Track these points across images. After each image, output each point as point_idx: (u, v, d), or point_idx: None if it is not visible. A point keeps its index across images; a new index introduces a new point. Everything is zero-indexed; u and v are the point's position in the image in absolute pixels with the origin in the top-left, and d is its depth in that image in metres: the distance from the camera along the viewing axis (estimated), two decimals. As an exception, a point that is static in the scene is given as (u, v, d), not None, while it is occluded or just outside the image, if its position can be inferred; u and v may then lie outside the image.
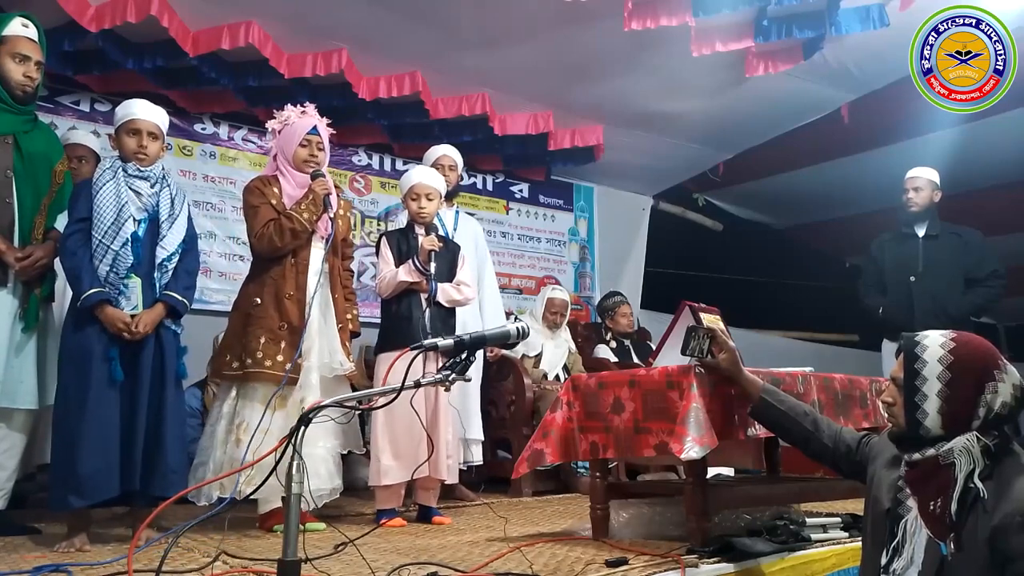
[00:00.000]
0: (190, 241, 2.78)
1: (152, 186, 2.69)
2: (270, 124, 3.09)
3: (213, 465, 2.82)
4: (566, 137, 5.39)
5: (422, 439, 2.91)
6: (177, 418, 2.69)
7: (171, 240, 2.69)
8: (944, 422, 1.57)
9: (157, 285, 2.64)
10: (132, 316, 2.56)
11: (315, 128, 3.02)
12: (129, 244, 2.59)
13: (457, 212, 4.14)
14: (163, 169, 2.77)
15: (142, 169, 2.68)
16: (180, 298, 2.68)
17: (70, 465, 2.47)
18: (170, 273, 2.68)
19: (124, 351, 2.56)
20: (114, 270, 2.56)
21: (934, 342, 1.61)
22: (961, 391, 1.56)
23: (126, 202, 2.61)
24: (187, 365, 2.82)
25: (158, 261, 2.65)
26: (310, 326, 2.89)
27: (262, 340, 2.84)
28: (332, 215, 2.99)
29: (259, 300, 2.91)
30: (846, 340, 8.19)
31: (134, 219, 2.62)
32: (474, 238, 4.13)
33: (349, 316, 3.12)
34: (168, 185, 2.75)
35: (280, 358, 2.83)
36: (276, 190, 2.99)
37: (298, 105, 3.07)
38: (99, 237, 2.56)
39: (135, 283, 2.59)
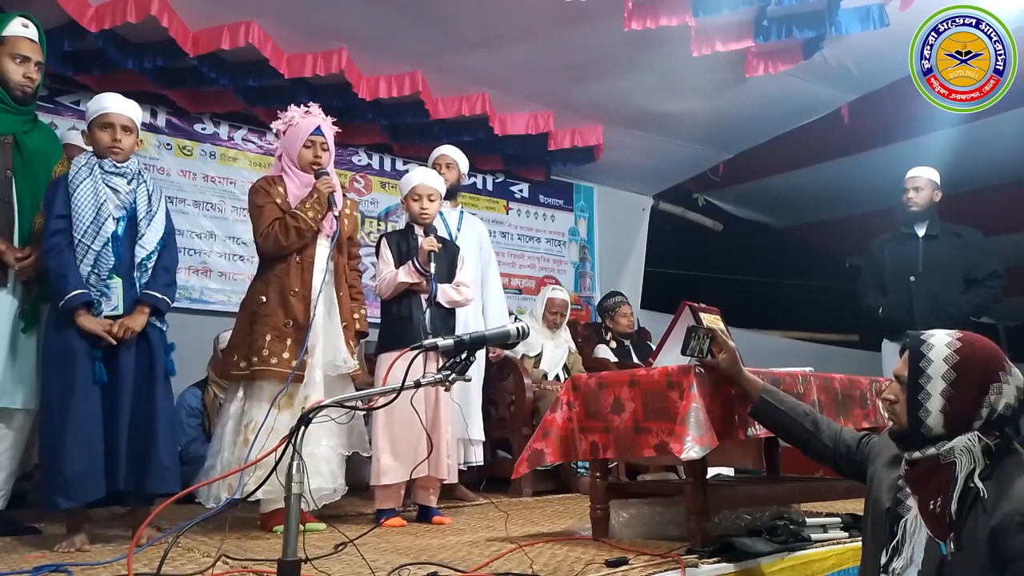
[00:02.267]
0: (168, 237, 2.73)
1: (129, 183, 2.66)
2: (275, 125, 3.10)
3: (221, 466, 2.81)
4: (566, 137, 5.39)
5: (421, 439, 2.91)
6: (167, 415, 2.67)
7: (150, 238, 2.65)
8: (946, 421, 1.57)
9: (137, 285, 2.60)
10: (114, 317, 2.54)
11: (319, 128, 3.02)
12: (110, 243, 2.56)
13: (461, 212, 4.14)
14: (139, 165, 2.73)
15: (118, 165, 2.64)
16: (161, 296, 2.65)
17: (57, 466, 2.45)
18: (149, 272, 2.64)
19: (110, 351, 2.54)
20: (95, 271, 2.53)
21: (940, 341, 1.61)
22: (965, 391, 1.56)
23: (105, 200, 2.58)
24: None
25: (137, 260, 2.61)
26: (315, 324, 2.88)
27: (268, 338, 2.84)
28: (336, 213, 2.99)
29: (265, 298, 2.90)
30: (846, 340, 8.19)
31: (113, 217, 2.59)
32: (478, 238, 4.13)
33: (356, 316, 3.12)
34: (144, 182, 2.71)
35: (286, 355, 2.82)
36: (281, 189, 2.99)
37: (301, 105, 3.08)
38: (79, 237, 2.52)
39: (116, 283, 2.57)
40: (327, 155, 3.04)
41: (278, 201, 2.95)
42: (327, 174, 2.99)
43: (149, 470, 2.55)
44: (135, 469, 2.54)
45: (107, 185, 2.61)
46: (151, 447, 2.56)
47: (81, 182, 2.57)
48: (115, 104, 2.67)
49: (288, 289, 2.89)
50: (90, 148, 2.69)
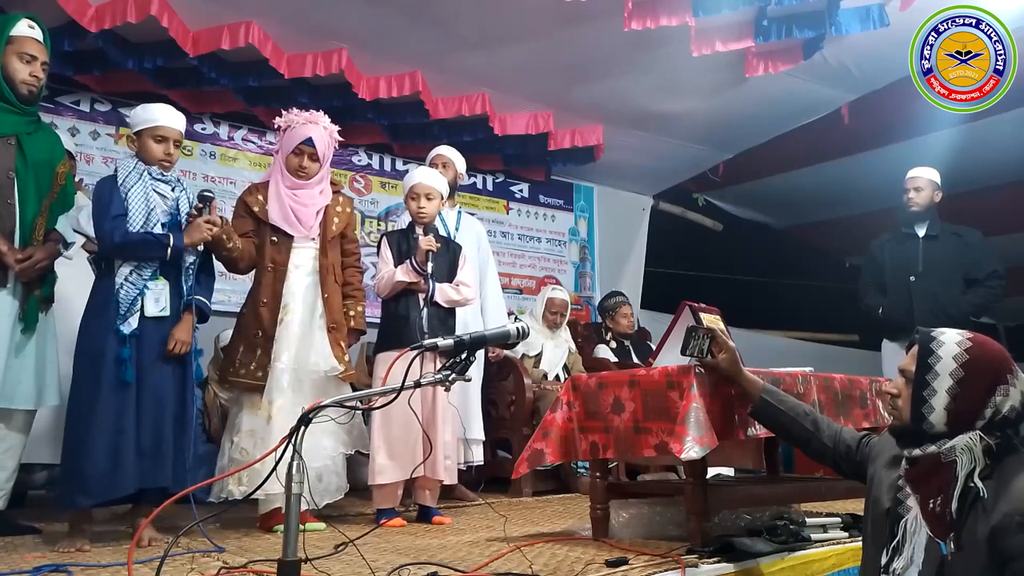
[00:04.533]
0: (207, 242, 2.81)
1: (172, 190, 2.77)
2: (276, 121, 3.13)
3: (219, 464, 2.95)
4: (566, 137, 5.39)
5: (419, 439, 2.92)
6: (192, 417, 2.74)
7: None
8: (949, 419, 1.56)
9: (183, 288, 2.70)
10: (161, 319, 2.63)
11: (310, 139, 3.02)
12: None
13: (460, 212, 4.14)
14: (179, 172, 2.83)
15: (163, 174, 2.75)
16: (208, 303, 2.77)
17: (79, 465, 2.50)
18: (192, 276, 2.74)
19: (149, 352, 2.61)
20: (138, 270, 2.62)
21: (951, 339, 1.61)
22: (972, 391, 1.56)
23: (154, 206, 2.69)
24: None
25: (184, 265, 2.70)
26: (290, 328, 2.94)
27: (241, 349, 2.95)
28: (190, 214, 2.78)
29: (245, 310, 3.04)
30: (846, 340, 8.19)
31: (161, 223, 2.69)
32: (476, 238, 4.12)
33: (352, 313, 3.14)
34: (184, 189, 2.82)
35: (253, 366, 2.92)
36: (261, 197, 3.04)
37: (303, 110, 3.10)
38: None
39: (163, 285, 2.65)
40: (315, 165, 3.07)
41: (255, 209, 3.02)
42: (212, 198, 2.79)
43: (176, 470, 2.60)
44: (162, 468, 2.59)
45: (155, 191, 2.71)
46: (179, 448, 2.63)
47: (132, 186, 2.67)
48: (170, 119, 2.76)
49: (259, 300, 2.97)
50: (134, 152, 2.79)
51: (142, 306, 2.61)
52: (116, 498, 2.56)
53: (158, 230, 2.66)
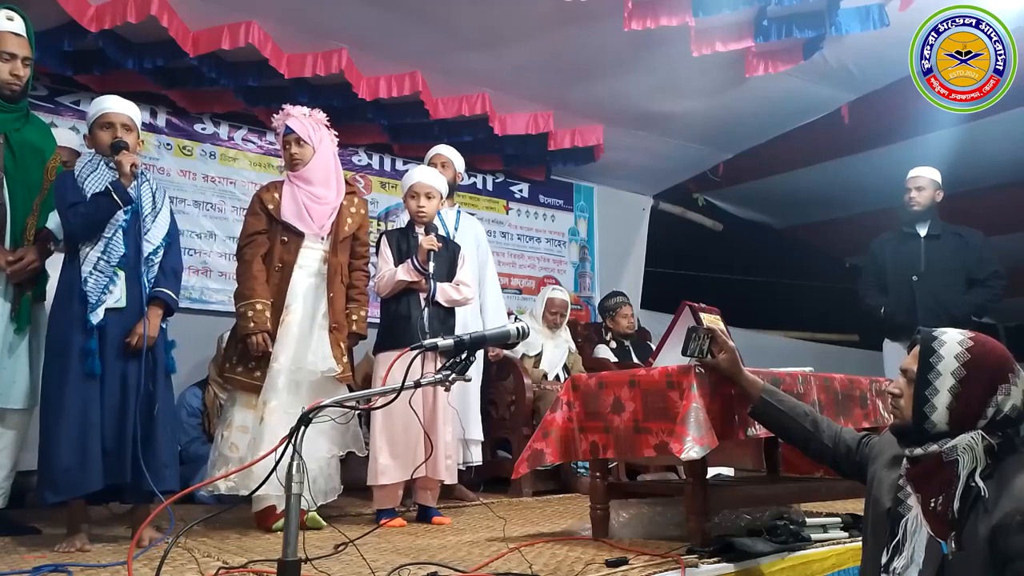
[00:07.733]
0: (173, 236, 2.75)
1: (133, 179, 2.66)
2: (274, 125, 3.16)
3: (210, 457, 2.99)
4: (566, 137, 5.39)
5: (420, 439, 2.92)
6: (167, 413, 2.68)
7: (155, 234, 2.67)
8: (951, 418, 1.57)
9: (143, 279, 2.60)
10: (116, 310, 2.55)
11: (288, 127, 3.04)
12: (120, 233, 2.58)
13: (459, 212, 4.14)
14: (141, 164, 2.72)
15: None
16: (174, 296, 2.70)
17: (48, 461, 2.46)
18: (156, 268, 2.66)
19: (111, 345, 2.54)
20: (105, 257, 2.55)
21: (952, 339, 1.62)
22: (973, 390, 1.56)
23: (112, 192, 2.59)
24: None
25: (144, 255, 2.62)
26: (289, 329, 2.93)
27: (240, 347, 2.95)
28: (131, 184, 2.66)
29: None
30: (846, 340, 8.19)
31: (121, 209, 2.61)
32: (475, 238, 4.12)
33: (355, 318, 3.12)
34: (148, 180, 2.72)
35: (251, 365, 2.93)
36: (276, 196, 3.04)
37: (284, 107, 3.11)
38: None
39: (119, 276, 2.58)
40: (304, 149, 3.05)
41: (270, 207, 3.01)
42: (126, 147, 2.68)
43: (148, 467, 2.53)
44: (134, 466, 2.52)
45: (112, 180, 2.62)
46: (150, 445, 2.55)
47: (88, 175, 2.60)
48: (114, 104, 2.69)
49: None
50: (92, 149, 2.71)
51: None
52: (88, 493, 2.48)
53: (120, 215, 2.56)
